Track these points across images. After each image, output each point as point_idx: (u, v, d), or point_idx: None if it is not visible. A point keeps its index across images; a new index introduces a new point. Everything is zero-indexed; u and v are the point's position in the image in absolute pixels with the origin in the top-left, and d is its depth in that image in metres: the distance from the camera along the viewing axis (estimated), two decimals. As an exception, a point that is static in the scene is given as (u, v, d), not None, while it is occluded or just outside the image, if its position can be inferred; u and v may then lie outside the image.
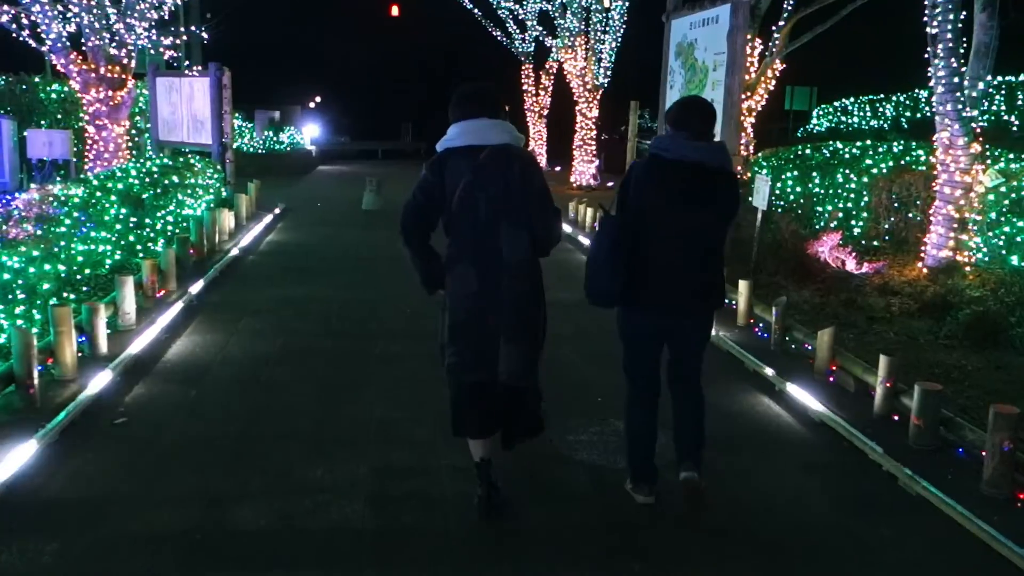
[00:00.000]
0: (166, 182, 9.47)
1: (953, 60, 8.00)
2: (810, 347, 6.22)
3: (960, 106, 8.05)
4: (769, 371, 5.82)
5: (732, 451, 4.69)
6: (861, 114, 22.56)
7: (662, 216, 3.76)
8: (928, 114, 20.13)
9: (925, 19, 8.35)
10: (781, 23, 13.11)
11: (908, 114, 20.81)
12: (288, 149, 22.35)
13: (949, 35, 7.97)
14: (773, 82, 14.09)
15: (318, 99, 38.42)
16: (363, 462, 4.31)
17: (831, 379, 5.78)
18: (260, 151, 21.55)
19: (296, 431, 4.68)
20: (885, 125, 21.00)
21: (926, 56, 8.48)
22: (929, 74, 8.44)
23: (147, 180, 9.17)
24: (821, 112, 24.87)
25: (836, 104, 23.94)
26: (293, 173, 20.99)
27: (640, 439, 4.02)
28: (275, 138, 22.10)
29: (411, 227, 3.76)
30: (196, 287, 7.51)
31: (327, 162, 25.94)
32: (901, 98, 21.33)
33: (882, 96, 22.19)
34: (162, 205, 8.95)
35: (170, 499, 3.84)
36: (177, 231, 9.18)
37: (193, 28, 14.83)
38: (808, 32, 13.09)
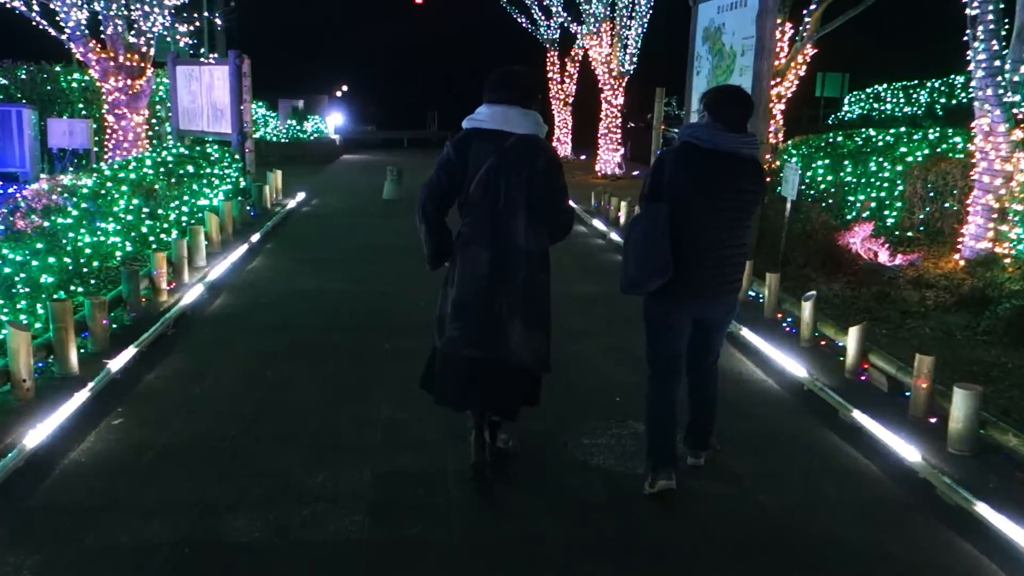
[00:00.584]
0: (181, 172, 9.31)
1: (994, 42, 7.64)
2: (841, 344, 5.95)
3: (1001, 91, 7.69)
4: (799, 370, 5.54)
5: (758, 455, 4.44)
6: (894, 100, 22.04)
7: (695, 204, 3.78)
8: (964, 100, 19.63)
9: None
10: (812, 6, 12.75)
11: (943, 100, 20.29)
12: (312, 138, 22.23)
13: (990, 15, 7.61)
14: (804, 68, 13.73)
15: (344, 88, 38.36)
16: (366, 467, 4.10)
17: (863, 378, 5.50)
18: (284, 140, 21.45)
19: (299, 433, 4.48)
20: (919, 112, 20.48)
21: (964, 39, 8.12)
22: (968, 57, 8.08)
23: (161, 170, 9.02)
24: (853, 99, 24.33)
25: (868, 90, 23.41)
26: (316, 162, 20.90)
27: (664, 427, 3.98)
28: (298, 127, 21.98)
29: (430, 206, 3.82)
30: (208, 280, 7.34)
31: (352, 151, 25.80)
32: (936, 84, 20.81)
33: (916, 82, 21.67)
34: (176, 195, 8.80)
35: (161, 507, 3.66)
36: (192, 222, 9.05)
37: (207, 15, 14.60)
38: (841, 16, 12.70)
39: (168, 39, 13.32)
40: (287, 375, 5.33)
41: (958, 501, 3.86)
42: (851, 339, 5.54)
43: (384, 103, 37.15)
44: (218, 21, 13.21)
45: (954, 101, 19.94)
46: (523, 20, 22.80)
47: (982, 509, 3.73)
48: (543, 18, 22.46)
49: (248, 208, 11.01)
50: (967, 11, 8.01)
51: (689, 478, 4.07)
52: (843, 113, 24.24)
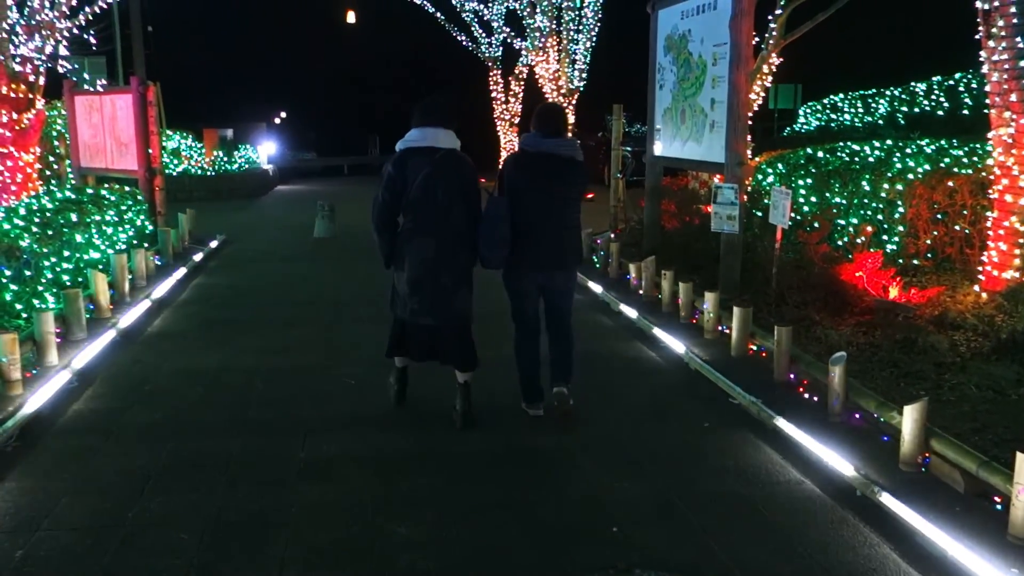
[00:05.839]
0: (61, 222, 7.77)
1: (1019, 39, 6.50)
2: (877, 415, 4.70)
3: (1029, 95, 6.55)
4: (838, 461, 4.23)
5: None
6: (852, 110, 21.18)
7: (530, 195, 4.86)
8: (927, 108, 18.83)
9: (977, -9, 6.87)
10: (778, 11, 11.71)
11: (904, 109, 19.45)
12: (241, 170, 20.61)
13: (1013, 8, 6.48)
14: (769, 78, 12.73)
15: (283, 115, 36.80)
16: None
17: (922, 469, 4.23)
18: (210, 173, 19.82)
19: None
20: (879, 121, 19.64)
21: (977, 37, 7.00)
22: (981, 58, 6.96)
23: (36, 220, 7.49)
24: (809, 110, 23.47)
25: (825, 101, 22.55)
26: (246, 196, 19.37)
27: (530, 367, 5.14)
28: (226, 159, 20.34)
29: (381, 221, 4.84)
30: (80, 361, 5.82)
31: (287, 181, 24.29)
32: (896, 92, 19.97)
33: (874, 91, 20.84)
34: (54, 251, 7.28)
35: None
36: (80, 280, 7.52)
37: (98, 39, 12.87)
38: (809, 20, 11.66)
39: (71, 67, 11.75)
40: (155, 515, 3.83)
41: None
42: (908, 421, 4.25)
43: (324, 129, 35.85)
44: (92, 40, 11.54)
45: (916, 109, 19.13)
46: (463, 39, 21.54)
47: None
48: (484, 35, 21.21)
49: (153, 257, 9.48)
50: (978, 4, 6.90)
51: None
52: (799, 125, 23.37)
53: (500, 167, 5.07)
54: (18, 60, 10.74)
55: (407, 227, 4.74)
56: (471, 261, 4.88)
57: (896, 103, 19.89)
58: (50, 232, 7.44)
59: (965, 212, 8.00)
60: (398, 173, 4.68)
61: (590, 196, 17.14)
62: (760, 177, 10.97)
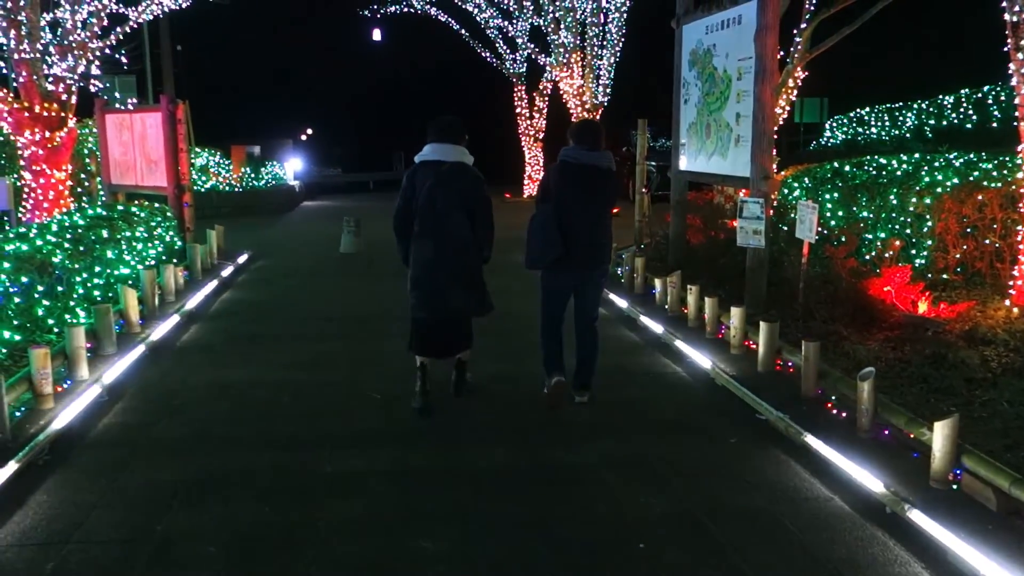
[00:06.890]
0: (92, 238, 7.87)
1: (1049, 51, 6.45)
2: (906, 431, 4.64)
3: (1059, 108, 6.49)
4: (871, 481, 4.19)
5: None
6: (880, 124, 21.05)
7: (569, 202, 5.34)
8: (955, 121, 18.68)
9: (1004, 4, 6.82)
10: (803, 25, 11.70)
11: (932, 122, 19.31)
12: (268, 186, 20.80)
13: (1042, 20, 6.43)
14: (795, 92, 12.71)
15: (309, 132, 37.14)
16: None
17: (953, 486, 4.17)
18: (237, 189, 20.01)
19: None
20: (907, 135, 19.50)
21: (1005, 49, 6.95)
22: (1010, 70, 6.91)
23: (68, 236, 7.60)
24: (835, 124, 23.35)
25: (851, 115, 22.42)
26: (272, 211, 19.52)
27: (554, 344, 5.58)
28: (253, 175, 20.52)
29: (400, 226, 5.41)
30: (110, 375, 5.89)
31: (313, 197, 24.45)
32: (923, 105, 19.83)
33: (901, 104, 20.71)
34: (85, 267, 7.37)
35: None
36: (110, 295, 7.63)
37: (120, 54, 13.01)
38: (835, 34, 11.63)
39: (102, 86, 11.94)
40: (181, 533, 3.84)
41: None
42: (939, 437, 4.20)
43: (349, 145, 36.10)
44: (123, 59, 11.71)
45: (944, 122, 18.98)
46: (488, 55, 21.65)
47: None
48: (508, 52, 21.31)
49: (182, 273, 9.57)
50: (1006, 16, 6.85)
51: None
52: (825, 139, 23.26)
53: (543, 177, 5.57)
54: (51, 80, 10.97)
55: (415, 231, 5.29)
56: (473, 262, 5.37)
57: (924, 116, 19.75)
58: (81, 248, 7.55)
59: (995, 226, 7.90)
60: (409, 183, 5.31)
61: (615, 211, 17.09)
62: (786, 191, 10.91)
